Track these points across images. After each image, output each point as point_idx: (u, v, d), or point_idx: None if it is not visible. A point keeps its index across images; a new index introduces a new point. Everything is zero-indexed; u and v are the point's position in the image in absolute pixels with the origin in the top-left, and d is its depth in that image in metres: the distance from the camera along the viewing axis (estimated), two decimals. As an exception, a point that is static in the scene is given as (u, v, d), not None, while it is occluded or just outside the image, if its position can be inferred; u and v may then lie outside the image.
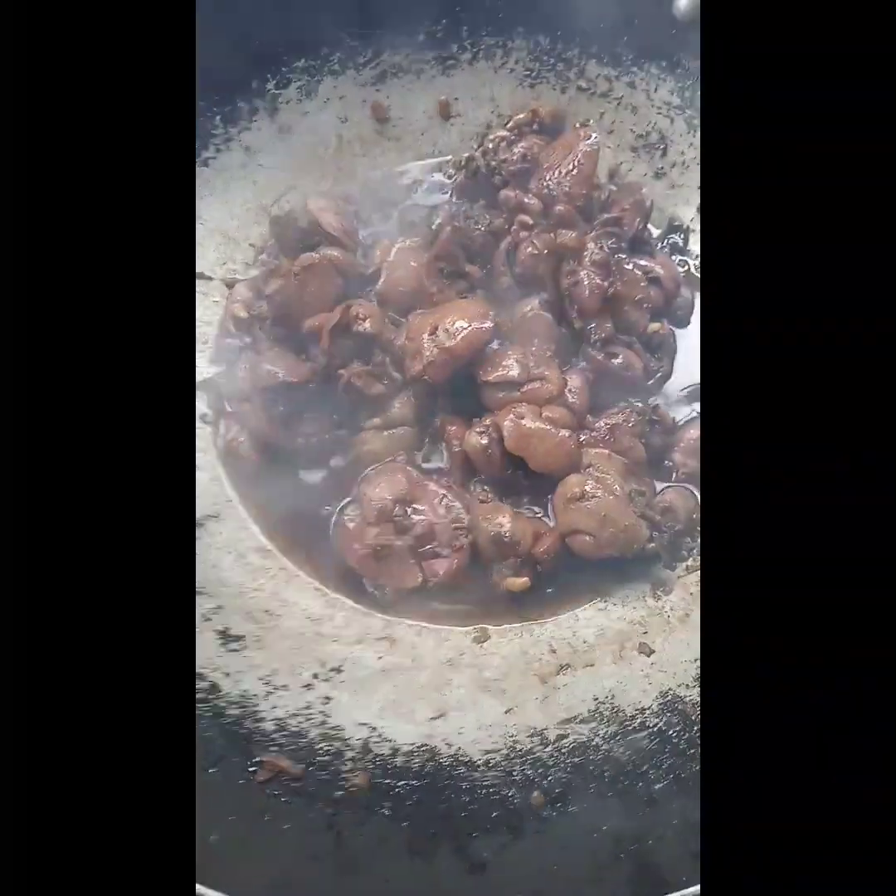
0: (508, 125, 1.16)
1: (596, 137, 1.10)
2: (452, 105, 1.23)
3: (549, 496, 0.97)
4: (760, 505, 0.50)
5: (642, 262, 1.08)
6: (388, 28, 1.18)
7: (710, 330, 0.52)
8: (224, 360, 1.08)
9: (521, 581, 0.93)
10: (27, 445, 0.49)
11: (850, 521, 0.49)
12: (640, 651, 0.90)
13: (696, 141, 1.16)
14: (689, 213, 1.16)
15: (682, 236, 1.16)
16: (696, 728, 0.77)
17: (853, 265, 0.51)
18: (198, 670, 0.81)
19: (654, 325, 1.06)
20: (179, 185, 0.53)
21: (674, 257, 1.14)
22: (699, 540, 0.95)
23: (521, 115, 1.17)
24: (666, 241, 1.16)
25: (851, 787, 0.47)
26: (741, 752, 0.49)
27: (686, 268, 1.14)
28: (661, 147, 1.18)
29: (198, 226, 1.12)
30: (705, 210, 0.54)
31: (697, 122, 1.16)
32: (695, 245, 1.15)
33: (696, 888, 0.59)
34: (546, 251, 1.04)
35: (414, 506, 0.97)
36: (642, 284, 1.06)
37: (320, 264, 1.05)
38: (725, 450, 0.51)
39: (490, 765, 0.79)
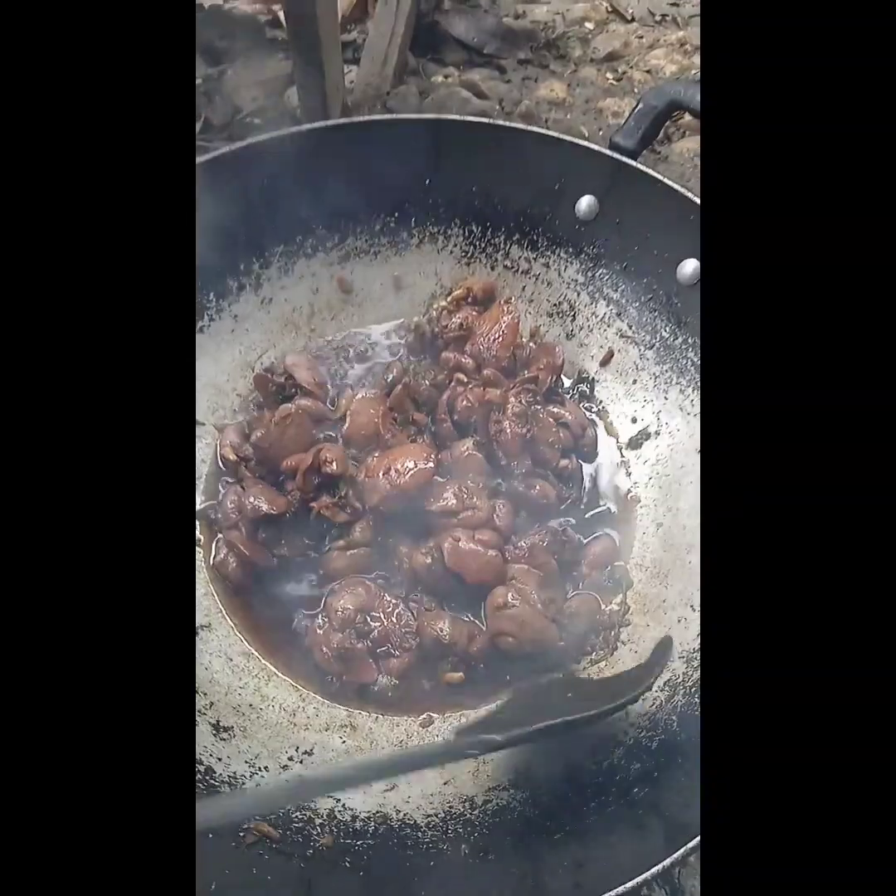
0: (448, 299, 1.45)
1: (516, 313, 1.38)
2: (403, 279, 1.50)
3: (482, 604, 1.17)
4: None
5: (555, 410, 1.33)
6: (351, 220, 1.47)
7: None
8: (214, 493, 1.30)
9: (458, 676, 1.12)
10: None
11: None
12: (552, 729, 1.10)
13: (597, 309, 1.45)
14: (594, 367, 1.44)
15: (588, 386, 1.42)
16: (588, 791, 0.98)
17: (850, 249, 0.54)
18: (197, 756, 1.00)
19: (564, 462, 1.28)
20: (180, 348, 0.60)
21: (581, 404, 1.40)
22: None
23: (458, 291, 1.45)
24: (575, 389, 1.42)
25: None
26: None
27: (591, 411, 1.41)
28: (571, 314, 1.46)
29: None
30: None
31: (599, 295, 1.45)
32: (599, 392, 1.43)
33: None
34: (477, 404, 1.27)
35: (372, 614, 1.13)
36: (554, 429, 1.31)
37: (296, 414, 1.26)
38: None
39: (430, 825, 0.97)
